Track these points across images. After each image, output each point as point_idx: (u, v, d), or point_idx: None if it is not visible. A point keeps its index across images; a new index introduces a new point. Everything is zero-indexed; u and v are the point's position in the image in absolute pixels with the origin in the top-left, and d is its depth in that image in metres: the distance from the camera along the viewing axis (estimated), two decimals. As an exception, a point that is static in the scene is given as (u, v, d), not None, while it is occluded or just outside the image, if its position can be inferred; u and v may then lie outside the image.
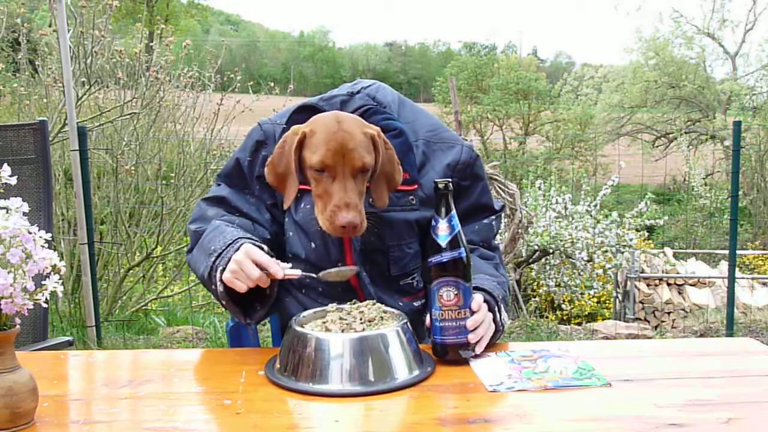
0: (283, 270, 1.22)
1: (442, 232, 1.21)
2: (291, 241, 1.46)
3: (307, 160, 1.28)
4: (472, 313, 1.23)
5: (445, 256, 1.20)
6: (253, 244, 1.25)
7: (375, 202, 1.33)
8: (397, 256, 1.43)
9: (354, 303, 1.29)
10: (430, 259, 1.21)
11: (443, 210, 1.22)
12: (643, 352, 1.37)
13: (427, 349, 1.27)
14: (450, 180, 1.23)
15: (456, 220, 1.22)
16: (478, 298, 1.25)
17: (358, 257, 1.42)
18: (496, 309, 1.31)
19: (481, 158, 1.51)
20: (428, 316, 1.25)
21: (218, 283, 1.25)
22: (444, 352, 1.23)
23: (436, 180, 1.23)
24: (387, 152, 1.32)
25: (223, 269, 1.24)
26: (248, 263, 1.21)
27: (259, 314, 1.31)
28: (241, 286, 1.22)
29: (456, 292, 1.20)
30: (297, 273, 1.24)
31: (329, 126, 1.27)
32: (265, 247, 1.27)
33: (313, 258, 1.44)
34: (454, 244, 1.21)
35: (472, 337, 1.22)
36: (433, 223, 1.23)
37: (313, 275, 1.26)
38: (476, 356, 1.25)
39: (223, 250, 1.26)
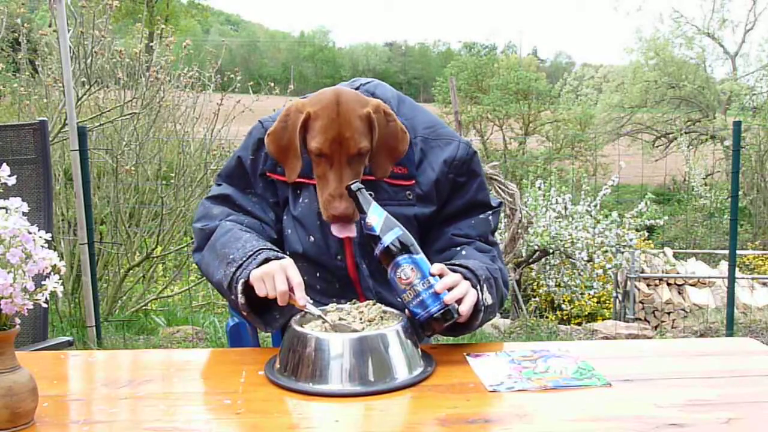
0: (305, 301, 1.20)
1: (373, 223, 1.23)
2: (290, 239, 1.46)
3: (307, 143, 1.31)
4: (440, 277, 1.21)
5: (385, 241, 1.21)
6: (271, 258, 1.24)
7: (375, 173, 1.35)
8: None
9: (354, 303, 1.29)
10: (375, 252, 1.23)
11: (362, 208, 1.25)
12: (643, 352, 1.37)
13: (427, 349, 1.27)
14: (358, 180, 1.27)
15: (379, 208, 1.24)
16: (436, 265, 1.24)
17: (357, 250, 1.42)
18: (478, 288, 1.28)
19: (478, 155, 1.51)
20: (406, 310, 1.24)
21: (239, 295, 1.24)
22: (430, 327, 1.21)
23: (348, 184, 1.26)
24: (388, 125, 1.33)
25: (245, 281, 1.23)
26: (281, 276, 1.20)
27: (279, 323, 1.30)
28: (261, 291, 1.21)
29: (411, 267, 1.20)
30: (316, 311, 1.23)
31: (329, 110, 1.29)
32: (287, 257, 1.27)
33: (313, 252, 1.44)
34: (386, 228, 1.22)
35: (448, 299, 1.20)
36: (362, 222, 1.25)
37: (329, 321, 1.22)
38: (477, 355, 1.25)
39: (244, 261, 1.25)
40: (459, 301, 1.21)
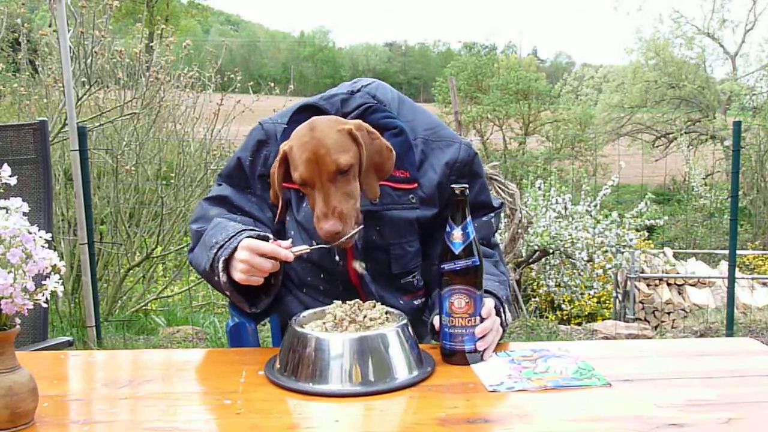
0: (291, 252, 1.23)
1: (457, 240, 1.20)
2: (293, 241, 1.47)
3: (293, 178, 1.29)
4: (482, 320, 1.22)
5: (459, 264, 1.20)
6: (252, 237, 1.26)
7: (366, 195, 1.31)
8: (398, 254, 1.44)
9: (355, 303, 1.29)
10: (442, 266, 1.21)
11: (459, 217, 1.21)
12: (643, 352, 1.37)
13: (427, 349, 1.27)
14: (466, 186, 1.22)
15: (471, 228, 1.21)
16: (488, 305, 1.25)
17: (359, 255, 1.42)
18: (502, 311, 1.32)
19: (479, 156, 1.51)
20: (437, 318, 1.25)
21: (221, 273, 1.26)
22: (452, 356, 1.23)
23: (453, 186, 1.22)
24: (373, 143, 1.30)
25: (226, 259, 1.25)
26: (256, 258, 1.22)
27: (264, 303, 1.33)
28: (258, 281, 1.24)
29: (467, 301, 1.20)
30: (305, 248, 1.26)
31: (302, 137, 1.27)
32: (269, 235, 1.28)
33: (315, 256, 1.44)
34: (468, 252, 1.20)
35: (480, 345, 1.23)
36: (448, 229, 1.22)
37: (324, 245, 1.27)
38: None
39: (226, 242, 1.27)
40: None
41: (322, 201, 1.25)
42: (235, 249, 1.25)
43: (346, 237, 1.26)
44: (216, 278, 1.28)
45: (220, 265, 1.25)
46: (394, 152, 1.33)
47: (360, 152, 1.27)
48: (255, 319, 1.46)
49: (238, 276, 1.24)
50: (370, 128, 1.31)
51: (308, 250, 1.27)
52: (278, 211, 1.35)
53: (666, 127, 16.56)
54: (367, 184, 1.30)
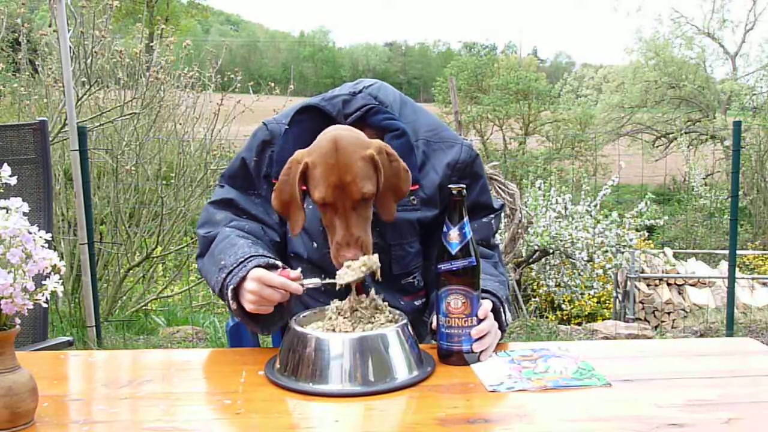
0: (301, 285, 1.22)
1: (454, 240, 1.20)
2: (293, 241, 1.46)
3: (310, 194, 1.27)
4: (479, 320, 1.22)
5: (456, 265, 1.20)
6: (261, 266, 1.24)
7: (381, 216, 1.30)
8: (398, 255, 1.44)
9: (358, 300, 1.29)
10: (439, 266, 1.21)
11: (456, 217, 1.21)
12: (643, 352, 1.37)
13: (427, 349, 1.27)
14: (463, 186, 1.22)
15: (468, 228, 1.21)
16: (486, 305, 1.25)
17: None
18: (501, 311, 1.31)
19: (480, 157, 1.51)
20: (434, 319, 1.25)
21: (230, 301, 1.25)
22: (449, 356, 1.23)
23: (450, 186, 1.21)
24: (391, 166, 1.28)
25: (234, 288, 1.23)
26: (266, 290, 1.20)
27: (278, 325, 1.31)
28: (268, 309, 1.23)
29: (464, 301, 1.20)
30: (316, 282, 1.24)
31: (327, 157, 1.23)
32: (278, 262, 1.26)
33: (315, 257, 1.44)
34: (465, 252, 1.20)
35: (477, 346, 1.22)
36: (445, 229, 1.22)
37: (333, 281, 1.24)
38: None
39: (234, 268, 1.25)
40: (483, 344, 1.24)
41: (344, 228, 1.24)
42: (244, 278, 1.23)
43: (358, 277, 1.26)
44: (226, 302, 1.27)
45: (230, 293, 1.24)
46: (410, 174, 1.31)
47: (378, 178, 1.26)
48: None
49: (248, 306, 1.23)
50: (390, 149, 1.29)
51: (320, 284, 1.25)
52: (292, 224, 1.31)
53: (666, 127, 16.56)
54: (384, 206, 1.29)
